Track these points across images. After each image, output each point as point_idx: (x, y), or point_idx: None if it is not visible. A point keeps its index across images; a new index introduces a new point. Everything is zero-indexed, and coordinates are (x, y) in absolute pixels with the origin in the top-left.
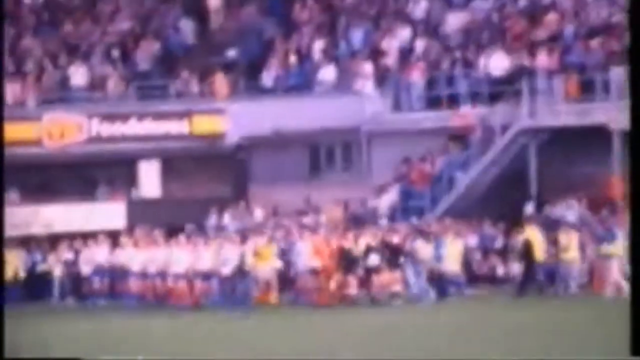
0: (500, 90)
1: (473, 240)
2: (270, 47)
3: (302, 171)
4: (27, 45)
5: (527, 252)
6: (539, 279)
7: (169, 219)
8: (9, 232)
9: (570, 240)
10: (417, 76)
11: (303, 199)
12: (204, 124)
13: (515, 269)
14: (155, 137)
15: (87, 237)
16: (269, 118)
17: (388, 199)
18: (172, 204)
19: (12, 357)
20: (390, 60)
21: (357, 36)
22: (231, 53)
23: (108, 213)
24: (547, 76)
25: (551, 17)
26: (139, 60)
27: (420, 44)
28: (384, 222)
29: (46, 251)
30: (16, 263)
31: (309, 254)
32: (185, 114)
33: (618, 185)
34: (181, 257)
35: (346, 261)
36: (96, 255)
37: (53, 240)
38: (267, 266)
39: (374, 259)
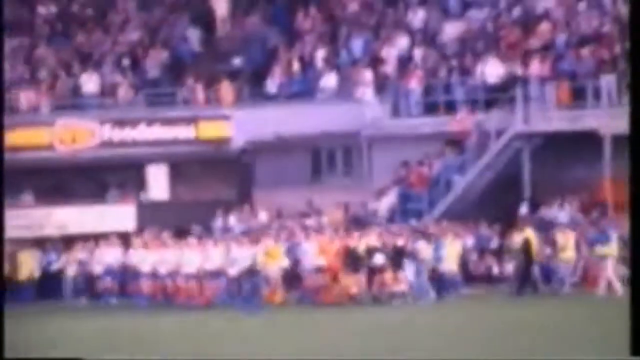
0: (495, 96)
1: (469, 241)
2: (274, 55)
3: (305, 174)
4: (41, 54)
5: (526, 251)
6: (535, 278)
7: (177, 221)
8: (24, 233)
9: (567, 241)
10: (415, 83)
11: (305, 202)
12: (210, 130)
13: (510, 269)
14: (164, 142)
15: (99, 238)
16: (272, 124)
17: (387, 202)
18: (180, 206)
19: (13, 356)
20: (390, 68)
21: (357, 45)
22: (236, 61)
23: (118, 215)
24: (540, 83)
25: (544, 27)
26: (148, 69)
27: (418, 53)
28: (383, 224)
29: (59, 252)
30: (30, 263)
31: (315, 254)
32: (192, 120)
33: (609, 189)
34: (191, 257)
35: (351, 261)
36: (108, 255)
37: (66, 241)
38: (276, 266)
39: (378, 259)
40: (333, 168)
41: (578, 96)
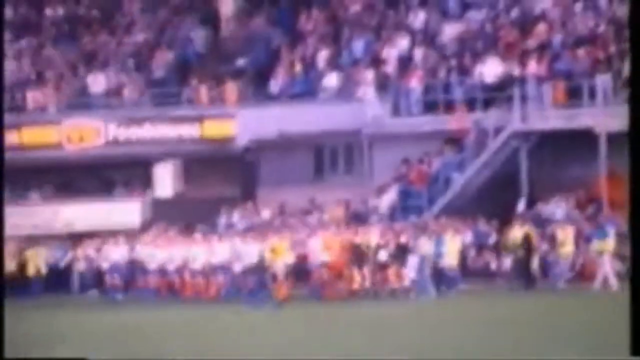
0: (493, 96)
1: (468, 237)
2: (277, 56)
3: (307, 172)
4: (49, 54)
5: (527, 247)
6: (536, 273)
7: (182, 218)
8: (32, 230)
9: (566, 236)
10: (415, 83)
11: (308, 199)
12: (214, 128)
13: (507, 264)
14: (169, 141)
15: (106, 234)
16: (275, 122)
17: (388, 199)
18: (185, 203)
19: (14, 356)
20: (390, 68)
21: (359, 46)
22: (240, 62)
23: (125, 212)
24: (537, 83)
25: (541, 28)
26: (153, 69)
27: (418, 53)
28: (384, 220)
29: (67, 248)
30: (38, 259)
31: (320, 250)
32: (197, 119)
33: (604, 186)
34: (198, 253)
35: (356, 257)
36: (115, 252)
37: (73, 238)
38: (281, 261)
39: (382, 255)
40: (335, 166)
41: (574, 95)
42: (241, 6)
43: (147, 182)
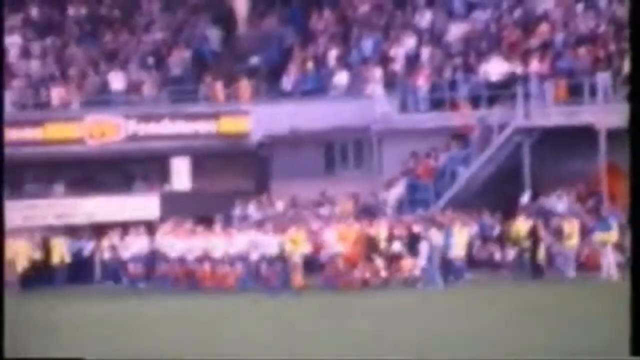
0: (497, 93)
1: (473, 229)
2: (289, 54)
3: (318, 166)
4: (71, 53)
5: (534, 239)
6: (543, 263)
7: (198, 210)
8: (56, 221)
9: (572, 229)
10: (422, 81)
11: (319, 192)
12: (229, 124)
13: (511, 255)
14: (186, 136)
15: (126, 226)
16: (288, 119)
17: (396, 192)
18: (201, 196)
19: (13, 356)
20: (398, 66)
21: (367, 45)
22: (254, 60)
23: (144, 204)
24: (539, 81)
25: (543, 27)
26: (171, 67)
27: (425, 52)
28: (394, 213)
29: (89, 238)
30: (61, 249)
31: (336, 241)
32: (213, 115)
33: (604, 180)
34: (217, 244)
35: (371, 248)
36: (135, 242)
37: (94, 229)
38: (298, 252)
39: (396, 246)
40: (345, 160)
41: (575, 93)
42: (255, 7)
43: (165, 175)
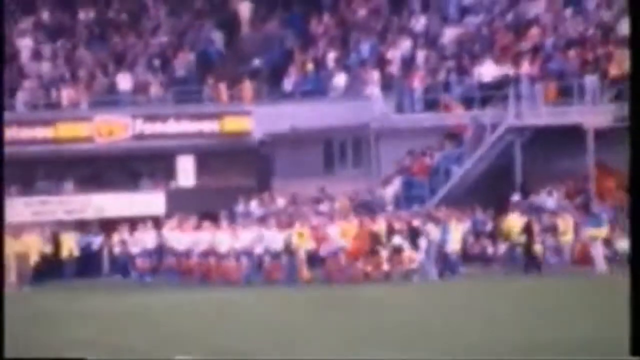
0: (489, 94)
1: (466, 224)
2: (290, 57)
3: (318, 164)
4: (81, 55)
5: (528, 234)
6: (538, 257)
7: (203, 206)
8: (66, 216)
9: (567, 225)
10: (417, 82)
11: (319, 189)
12: (232, 124)
13: (502, 250)
14: (191, 135)
15: (133, 221)
16: (288, 118)
17: (392, 189)
18: (205, 193)
19: (14, 356)
20: (394, 68)
21: (365, 48)
22: (256, 62)
23: (150, 201)
24: (530, 82)
25: (534, 31)
26: (176, 68)
27: (420, 55)
28: (392, 209)
29: (97, 233)
30: (71, 244)
31: (339, 236)
32: (217, 115)
33: (592, 177)
34: (223, 239)
35: (373, 242)
36: (142, 237)
37: (103, 224)
38: (305, 247)
39: (397, 240)
40: (344, 158)
41: (564, 94)
42: (257, 11)
43: (170, 173)
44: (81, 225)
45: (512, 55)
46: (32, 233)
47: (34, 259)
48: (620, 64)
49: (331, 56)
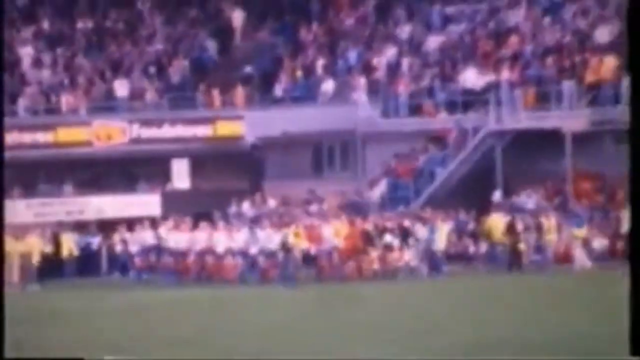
0: (471, 99)
1: (450, 224)
2: (280, 63)
3: (308, 167)
4: (80, 63)
5: (511, 233)
6: (522, 256)
7: (197, 208)
8: (65, 217)
9: (550, 225)
10: (402, 88)
11: (308, 190)
12: (225, 128)
13: (483, 249)
14: (185, 139)
15: (131, 222)
16: (279, 123)
17: (379, 190)
18: (200, 195)
19: (14, 356)
20: (380, 74)
21: (352, 55)
22: (248, 69)
23: (147, 202)
24: (510, 88)
25: (513, 39)
26: (171, 75)
27: (405, 61)
28: (376, 209)
29: (96, 234)
30: (71, 244)
31: (332, 235)
32: (210, 120)
33: (569, 179)
34: (218, 239)
35: (366, 241)
36: (140, 237)
37: (101, 225)
38: (299, 246)
39: (388, 238)
40: (332, 161)
41: (543, 99)
42: (249, 20)
43: (166, 176)
44: (80, 226)
45: (492, 62)
46: (33, 234)
47: (36, 259)
48: (596, 70)
49: (320, 63)
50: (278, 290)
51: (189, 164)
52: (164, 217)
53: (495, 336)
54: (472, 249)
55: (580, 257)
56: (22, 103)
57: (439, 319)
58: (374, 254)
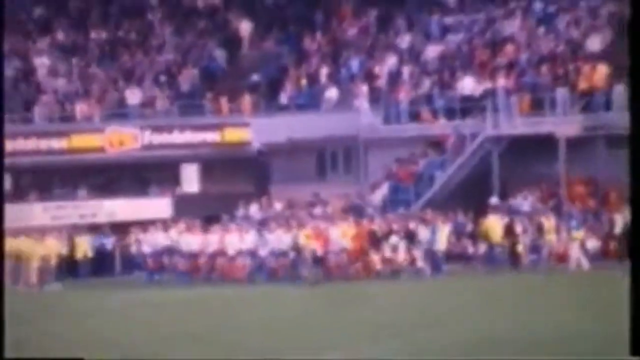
0: (469, 106)
1: (449, 226)
2: (286, 72)
3: (312, 171)
4: (93, 72)
5: (510, 234)
6: (520, 256)
7: (206, 210)
8: (80, 220)
9: (550, 226)
10: (403, 95)
11: (312, 194)
12: (233, 134)
13: (482, 250)
14: (195, 145)
15: (142, 224)
16: (284, 129)
17: (380, 193)
18: (208, 198)
19: (14, 356)
20: (382, 82)
21: (355, 63)
22: (255, 77)
23: (158, 206)
24: (506, 95)
25: (509, 48)
26: (181, 84)
27: (405, 70)
28: (383, 212)
29: (109, 236)
30: (85, 245)
31: (340, 237)
32: (218, 126)
33: (563, 183)
34: (230, 240)
35: (372, 242)
36: (150, 238)
37: (114, 228)
38: (310, 247)
39: (394, 240)
40: (335, 166)
41: (537, 106)
42: (256, 30)
43: (176, 180)
44: (94, 229)
45: (489, 70)
46: (51, 236)
47: (54, 260)
48: (588, 78)
49: (323, 71)
50: (286, 289)
51: (198, 169)
52: (174, 219)
53: (494, 333)
54: (470, 249)
55: (578, 258)
56: (38, 111)
57: (440, 316)
58: (380, 254)
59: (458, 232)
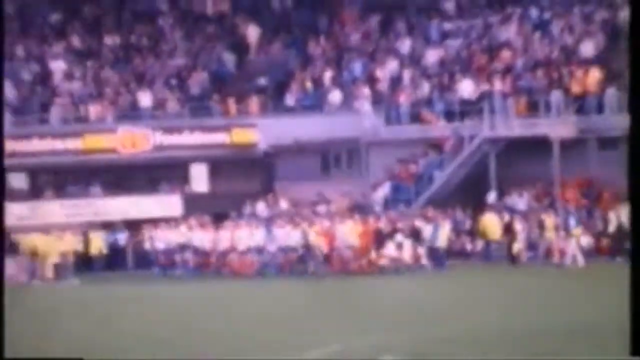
0: (467, 109)
1: (448, 223)
2: (291, 75)
3: (316, 171)
4: (107, 75)
5: (510, 232)
6: (519, 252)
7: (214, 209)
8: (94, 217)
9: (551, 223)
10: (403, 98)
11: (317, 193)
12: (240, 136)
13: (479, 246)
14: (204, 146)
15: (153, 221)
16: (290, 131)
17: (382, 192)
18: (217, 197)
19: (13, 356)
20: (383, 85)
21: (357, 67)
22: (262, 80)
23: (168, 204)
24: (502, 98)
25: (506, 53)
26: (191, 87)
27: (406, 73)
28: (389, 211)
29: (122, 232)
30: (99, 242)
31: (347, 234)
32: (227, 128)
33: (557, 182)
34: (240, 236)
35: (378, 239)
36: (161, 235)
37: (126, 224)
38: (319, 243)
39: (399, 237)
40: (339, 166)
41: (533, 108)
42: (263, 35)
43: (185, 179)
44: (107, 226)
45: (487, 74)
46: (67, 233)
47: (70, 256)
48: (581, 81)
49: (327, 75)
50: (295, 283)
51: (207, 169)
52: (184, 217)
53: (494, 325)
54: (469, 246)
55: (574, 254)
56: (54, 112)
57: (441, 311)
58: (386, 251)
59: (457, 230)
